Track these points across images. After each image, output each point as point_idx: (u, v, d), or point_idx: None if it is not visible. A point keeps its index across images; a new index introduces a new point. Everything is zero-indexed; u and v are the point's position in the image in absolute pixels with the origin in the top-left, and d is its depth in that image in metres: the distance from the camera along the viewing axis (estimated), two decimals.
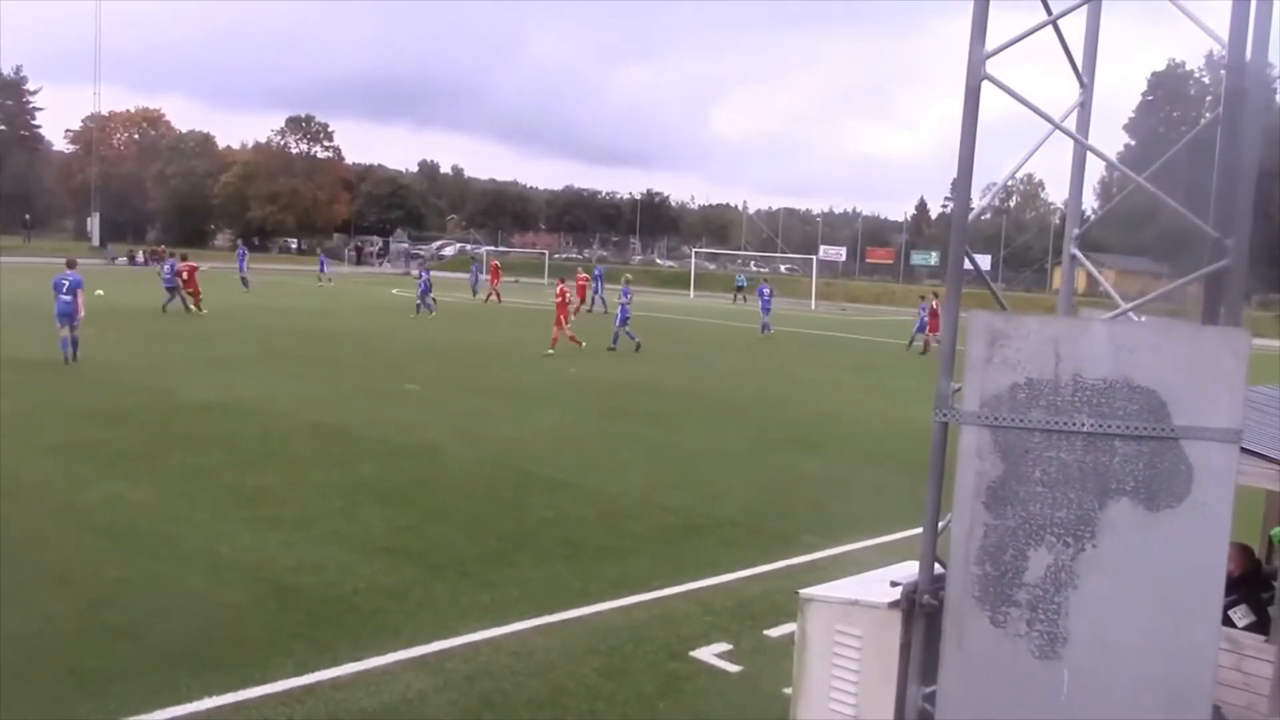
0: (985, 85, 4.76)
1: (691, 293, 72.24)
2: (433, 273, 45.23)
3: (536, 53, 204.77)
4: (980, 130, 4.81)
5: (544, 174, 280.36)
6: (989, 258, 78.82)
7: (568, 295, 30.10)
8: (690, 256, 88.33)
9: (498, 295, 51.93)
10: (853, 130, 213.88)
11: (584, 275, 46.11)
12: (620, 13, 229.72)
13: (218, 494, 11.98)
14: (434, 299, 42.26)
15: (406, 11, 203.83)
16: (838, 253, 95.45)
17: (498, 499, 12.54)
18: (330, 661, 7.37)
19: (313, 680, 7.09)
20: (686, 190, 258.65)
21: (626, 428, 17.97)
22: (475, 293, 55.18)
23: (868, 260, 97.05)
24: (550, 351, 28.55)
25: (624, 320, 31.28)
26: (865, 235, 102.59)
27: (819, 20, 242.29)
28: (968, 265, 4.96)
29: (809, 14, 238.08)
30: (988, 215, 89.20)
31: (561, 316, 29.64)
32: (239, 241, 66.87)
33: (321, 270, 64.84)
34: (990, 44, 4.75)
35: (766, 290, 42.66)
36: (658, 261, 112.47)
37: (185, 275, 36.70)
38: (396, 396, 20.17)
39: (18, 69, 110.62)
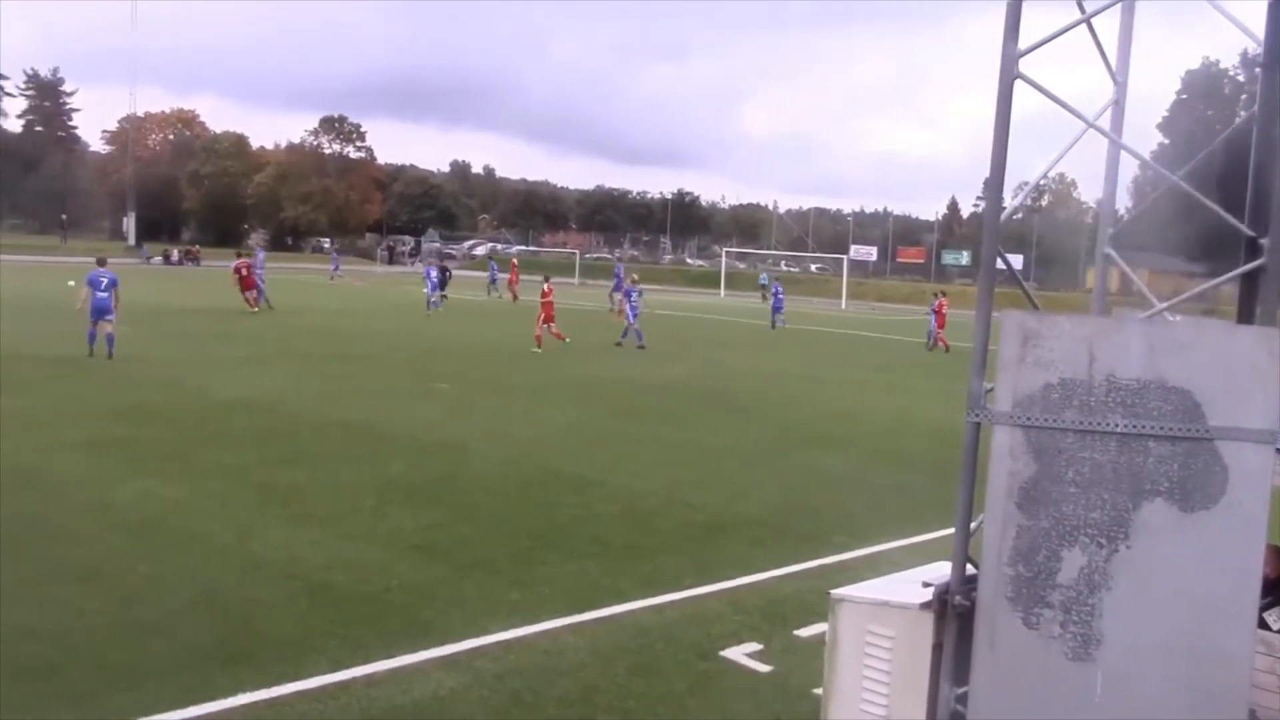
0: (1018, 83, 4.73)
1: (722, 292, 72.22)
2: (456, 271, 45.58)
3: (565, 52, 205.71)
4: (1012, 128, 4.78)
5: (574, 173, 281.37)
6: (1021, 257, 78.40)
7: (552, 294, 30.40)
8: (720, 256, 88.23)
9: (514, 294, 52.19)
10: (882, 129, 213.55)
11: (635, 278, 45.14)
12: (647, 12, 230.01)
13: (249, 491, 12.06)
14: (443, 295, 43.28)
15: (435, 11, 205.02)
16: (869, 252, 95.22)
17: (526, 497, 12.57)
18: (362, 659, 7.39)
19: (345, 677, 7.11)
20: (716, 189, 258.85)
21: (651, 426, 17.97)
22: (496, 292, 55.22)
23: (899, 260, 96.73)
24: (567, 341, 28.65)
25: (634, 317, 32.18)
26: (896, 235, 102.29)
27: (844, 18, 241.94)
28: (1000, 264, 4.93)
29: (835, 12, 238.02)
30: (1020, 215, 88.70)
31: (544, 314, 29.81)
32: (257, 244, 67.42)
33: (334, 269, 65.08)
34: (1023, 42, 4.72)
35: (779, 289, 45.49)
36: (688, 261, 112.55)
37: (244, 272, 37.14)
38: (423, 394, 20.26)
39: (54, 70, 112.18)
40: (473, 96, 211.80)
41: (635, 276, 38.34)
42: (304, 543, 10.15)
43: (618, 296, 44.02)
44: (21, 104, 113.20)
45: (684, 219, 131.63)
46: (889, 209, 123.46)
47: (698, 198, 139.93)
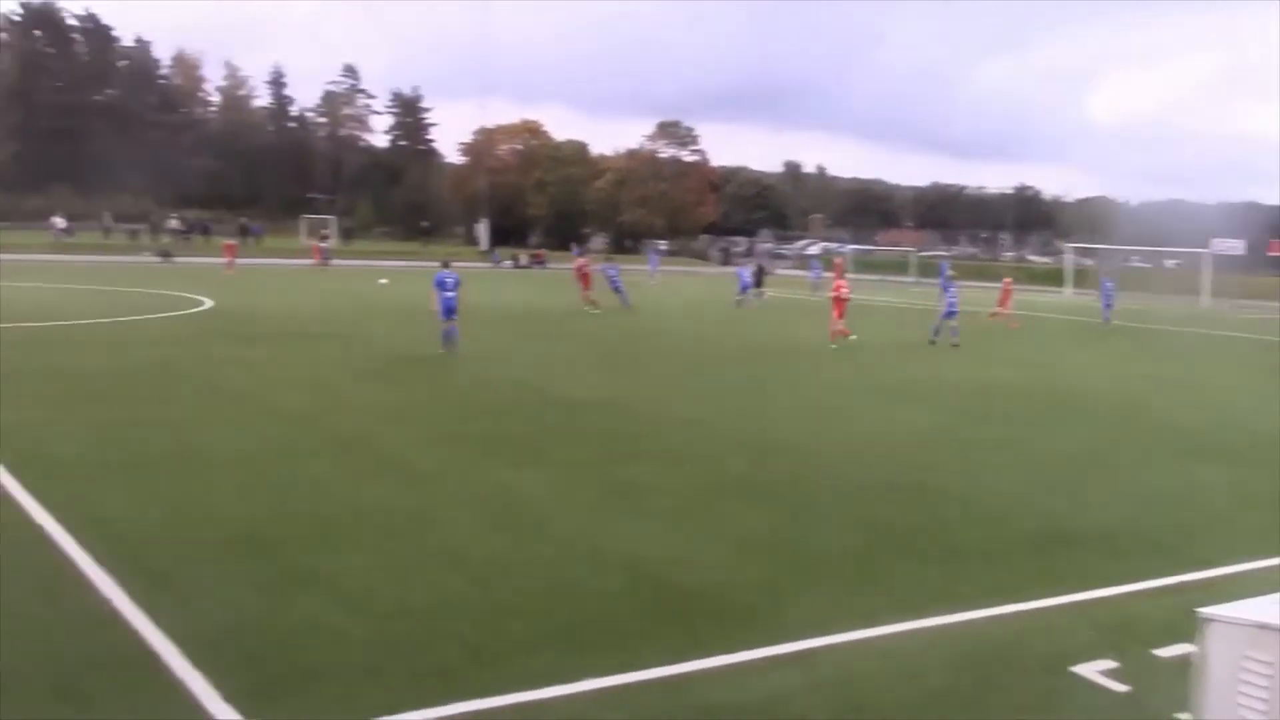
0: None
1: (1067, 289, 68.73)
2: (785, 272, 46.29)
3: (897, 47, 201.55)
4: None
5: (908, 170, 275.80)
6: None
7: (844, 290, 29.86)
8: (1065, 252, 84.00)
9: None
10: (1247, 112, 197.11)
11: (1009, 280, 41.56)
12: (983, 2, 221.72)
13: (594, 485, 12.54)
14: (759, 292, 45.56)
15: (767, 13, 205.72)
16: (1233, 246, 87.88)
17: (865, 498, 12.41)
18: (702, 653, 7.48)
19: (685, 670, 7.22)
20: (1060, 183, 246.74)
21: (992, 430, 17.35)
22: (821, 291, 55.08)
23: (1271, 254, 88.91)
24: (838, 344, 28.24)
25: (950, 314, 30.60)
26: (1267, 227, 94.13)
27: None
28: None
29: None
30: None
31: (837, 311, 29.33)
32: (574, 245, 69.90)
33: (652, 269, 66.20)
34: None
35: (1110, 284, 43.07)
36: (1029, 258, 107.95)
37: (586, 270, 38.95)
38: (759, 393, 20.46)
39: (415, 89, 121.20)
40: (804, 96, 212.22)
41: (953, 273, 37.50)
42: (646, 537, 10.44)
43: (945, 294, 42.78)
44: (387, 121, 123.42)
45: (1025, 214, 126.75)
46: (1258, 199, 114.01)
47: (1039, 192, 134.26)
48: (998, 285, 39.79)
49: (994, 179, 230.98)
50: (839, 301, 29.31)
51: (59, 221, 76.61)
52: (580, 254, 49.18)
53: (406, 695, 6.65)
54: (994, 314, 37.43)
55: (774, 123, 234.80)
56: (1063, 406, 20.16)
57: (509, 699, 6.68)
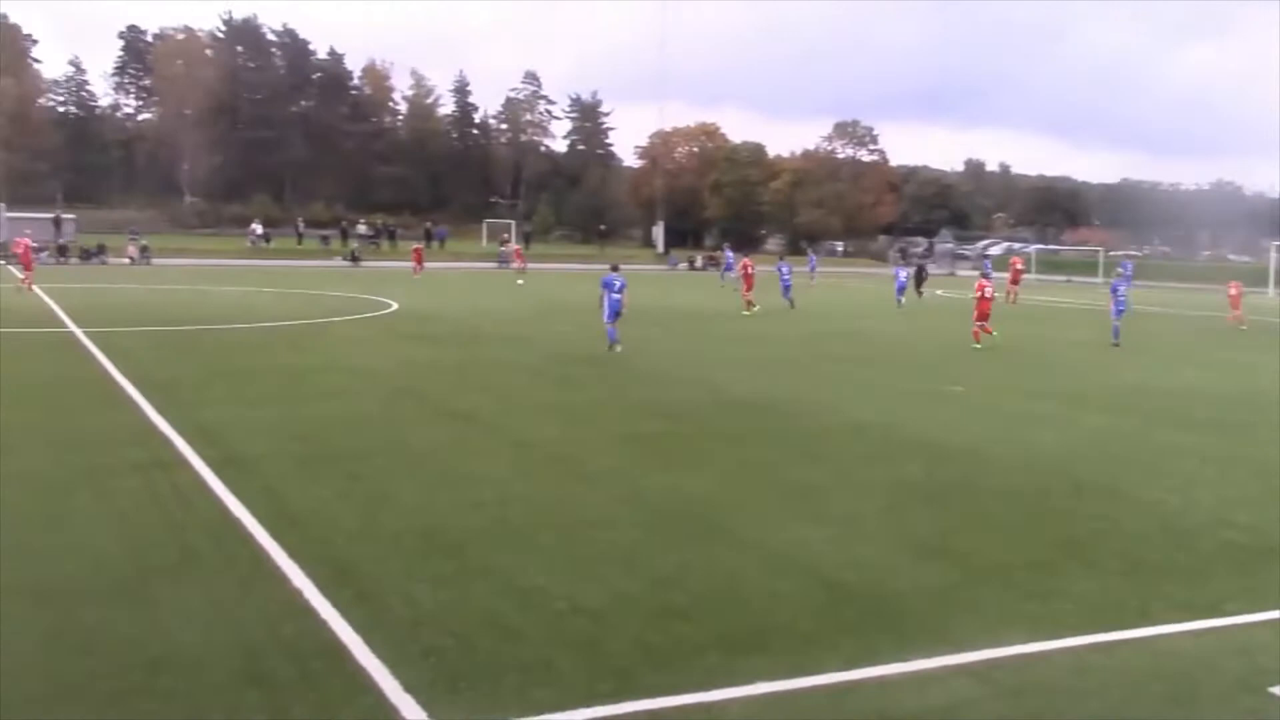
0: None
1: (1270, 290, 65.17)
2: (963, 273, 45.42)
3: (1088, 39, 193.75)
4: None
5: (1097, 167, 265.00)
6: None
7: (986, 290, 28.87)
8: (1269, 251, 79.60)
9: (1013, 295, 48.91)
10: None
11: (1238, 283, 39.73)
12: None
13: (767, 487, 12.48)
14: (920, 293, 46.57)
15: (948, 8, 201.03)
16: None
17: (1045, 505, 12.02)
18: (875, 659, 7.38)
19: (858, 677, 7.14)
20: (1263, 178, 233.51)
21: (1188, 437, 16.55)
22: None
23: None
24: (976, 346, 27.63)
25: (1120, 312, 29.92)
26: None
27: None
28: None
29: None
30: None
31: (978, 310, 28.50)
32: (725, 244, 69.60)
33: (811, 270, 65.18)
34: None
35: None
36: (1229, 257, 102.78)
37: (750, 270, 38.88)
38: (935, 397, 19.98)
39: (594, 94, 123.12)
40: (987, 92, 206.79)
41: (1119, 271, 36.22)
42: (820, 540, 10.34)
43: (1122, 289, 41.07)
44: (566, 126, 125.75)
45: (1224, 211, 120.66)
46: None
47: (1240, 187, 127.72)
48: (1197, 287, 38.22)
49: (1189, 174, 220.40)
50: (982, 301, 28.56)
51: (256, 228, 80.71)
52: (741, 254, 49.32)
53: (579, 693, 6.76)
54: (1233, 317, 37.39)
55: (955, 120, 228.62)
56: (1261, 412, 19.12)
57: (681, 699, 6.71)
